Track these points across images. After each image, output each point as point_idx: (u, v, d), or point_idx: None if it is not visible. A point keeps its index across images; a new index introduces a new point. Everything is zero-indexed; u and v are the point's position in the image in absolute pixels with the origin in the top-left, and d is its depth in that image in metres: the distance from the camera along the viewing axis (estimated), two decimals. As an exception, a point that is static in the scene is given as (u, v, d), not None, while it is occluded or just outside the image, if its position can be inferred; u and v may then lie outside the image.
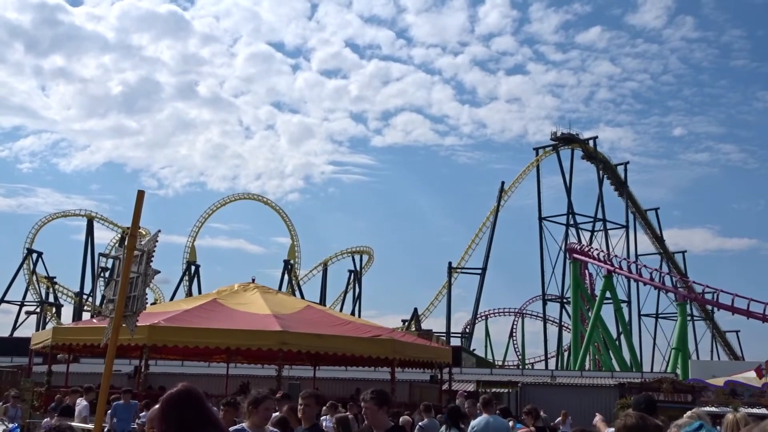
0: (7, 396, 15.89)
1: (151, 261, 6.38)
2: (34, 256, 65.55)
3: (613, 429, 6.84)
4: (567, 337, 65.45)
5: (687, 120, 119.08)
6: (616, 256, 55.78)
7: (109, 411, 14.41)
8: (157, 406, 3.60)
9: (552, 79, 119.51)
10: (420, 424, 12.16)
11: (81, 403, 14.28)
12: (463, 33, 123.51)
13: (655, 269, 52.81)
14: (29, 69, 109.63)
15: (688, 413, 4.39)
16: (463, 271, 64.87)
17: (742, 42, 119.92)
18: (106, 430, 13.60)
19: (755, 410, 20.45)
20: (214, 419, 3.53)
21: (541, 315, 66.61)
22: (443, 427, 10.66)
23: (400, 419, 12.17)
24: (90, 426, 11.49)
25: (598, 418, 7.55)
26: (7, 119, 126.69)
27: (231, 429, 5.80)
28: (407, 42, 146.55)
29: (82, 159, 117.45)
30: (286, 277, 67.23)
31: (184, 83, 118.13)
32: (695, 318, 67.99)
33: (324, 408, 13.17)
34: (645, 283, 52.26)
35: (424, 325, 62.43)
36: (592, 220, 66.87)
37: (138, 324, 6.63)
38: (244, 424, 5.93)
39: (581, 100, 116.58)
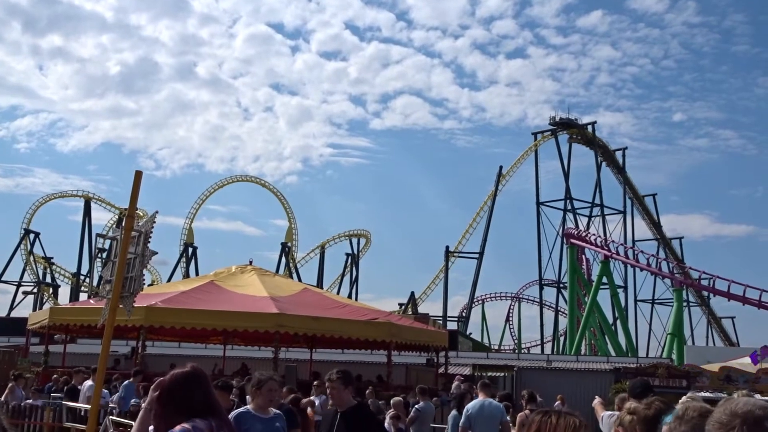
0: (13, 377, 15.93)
1: (149, 242, 6.37)
2: (32, 236, 65.44)
3: (609, 413, 6.88)
4: (563, 321, 65.83)
5: (687, 105, 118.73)
6: (613, 241, 55.87)
7: (118, 393, 14.51)
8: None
9: (552, 63, 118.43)
10: (417, 406, 12.27)
11: (88, 383, 14.38)
12: (464, 16, 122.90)
13: (652, 255, 52.98)
14: (27, 48, 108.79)
15: (683, 399, 4.36)
16: (461, 255, 64.92)
17: (744, 27, 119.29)
18: (109, 409, 13.71)
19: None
20: (216, 405, 3.49)
21: (538, 300, 66.84)
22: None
23: (392, 400, 12.22)
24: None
25: (597, 401, 7.60)
26: (4, 99, 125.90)
27: (235, 411, 5.84)
28: (407, 24, 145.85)
29: (80, 139, 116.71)
30: (283, 259, 67.22)
31: (182, 64, 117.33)
32: (691, 304, 68.17)
33: (314, 386, 13.38)
34: (642, 269, 52.39)
35: (421, 309, 62.64)
36: (589, 205, 66.92)
37: (135, 305, 6.63)
38: (249, 406, 5.98)
39: (581, 84, 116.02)
